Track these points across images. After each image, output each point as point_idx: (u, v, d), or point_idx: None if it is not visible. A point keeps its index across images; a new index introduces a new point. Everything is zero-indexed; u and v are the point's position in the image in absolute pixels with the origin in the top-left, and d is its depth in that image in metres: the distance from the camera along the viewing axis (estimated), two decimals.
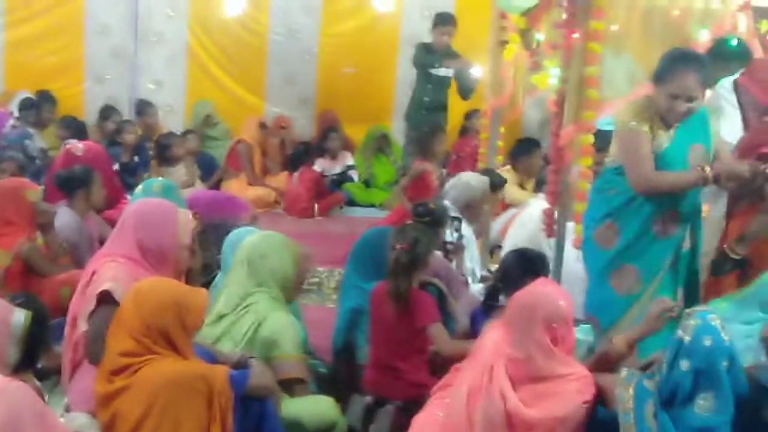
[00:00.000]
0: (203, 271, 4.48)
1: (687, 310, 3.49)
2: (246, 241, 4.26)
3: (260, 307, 4.01)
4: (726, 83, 5.32)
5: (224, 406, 3.42)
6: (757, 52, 5.93)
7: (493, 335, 3.64)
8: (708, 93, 4.93)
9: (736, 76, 5.30)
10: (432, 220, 5.23)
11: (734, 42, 5.28)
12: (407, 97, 9.92)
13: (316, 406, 4.01)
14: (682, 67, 4.08)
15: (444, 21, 8.23)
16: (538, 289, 3.66)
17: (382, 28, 9.77)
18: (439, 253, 5.19)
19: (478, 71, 7.96)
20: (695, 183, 4.12)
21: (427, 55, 8.23)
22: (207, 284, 4.52)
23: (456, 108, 9.87)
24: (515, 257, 4.52)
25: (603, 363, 3.70)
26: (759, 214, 4.42)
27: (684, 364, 3.29)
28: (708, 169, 4.06)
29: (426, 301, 4.31)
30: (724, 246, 4.43)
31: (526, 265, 4.35)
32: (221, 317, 4.05)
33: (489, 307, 4.50)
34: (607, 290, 4.31)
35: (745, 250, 4.36)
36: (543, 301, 3.55)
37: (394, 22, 9.90)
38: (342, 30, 9.47)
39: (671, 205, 4.21)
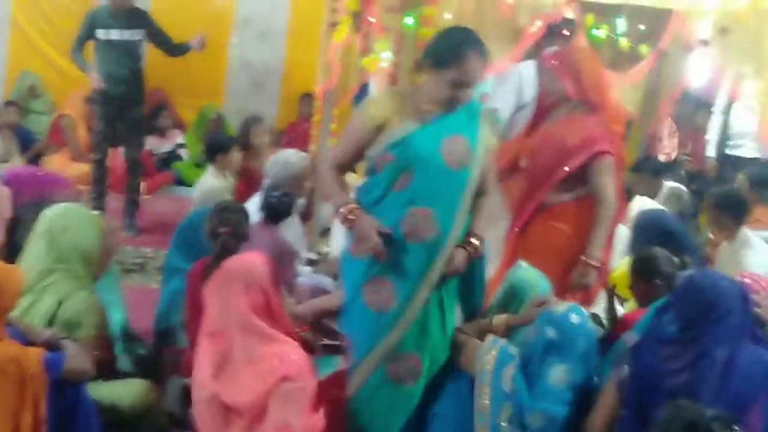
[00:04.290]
0: (20, 250, 4.27)
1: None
2: (46, 213, 4.06)
3: (61, 286, 3.86)
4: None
5: (37, 391, 3.29)
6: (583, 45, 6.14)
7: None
8: None
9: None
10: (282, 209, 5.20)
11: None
12: (240, 76, 9.85)
13: (132, 389, 3.93)
14: (467, 50, 3.58)
15: None
16: (236, 259, 3.73)
17: (215, 6, 9.60)
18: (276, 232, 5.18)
19: (200, 40, 7.36)
20: (336, 211, 3.71)
21: (96, 22, 7.16)
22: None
23: (290, 91, 9.86)
24: None
25: (482, 331, 3.77)
26: None
27: (549, 332, 3.49)
28: (349, 208, 3.62)
29: None
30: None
31: None
32: None
33: None
34: (360, 307, 3.72)
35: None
36: (238, 269, 3.60)
37: (228, 1, 9.75)
38: (173, 6, 9.22)
39: (424, 201, 3.65)
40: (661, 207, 6.37)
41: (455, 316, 3.90)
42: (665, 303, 3.55)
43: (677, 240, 5.66)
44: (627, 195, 6.02)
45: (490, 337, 3.67)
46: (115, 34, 7.14)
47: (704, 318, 3.29)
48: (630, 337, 3.56)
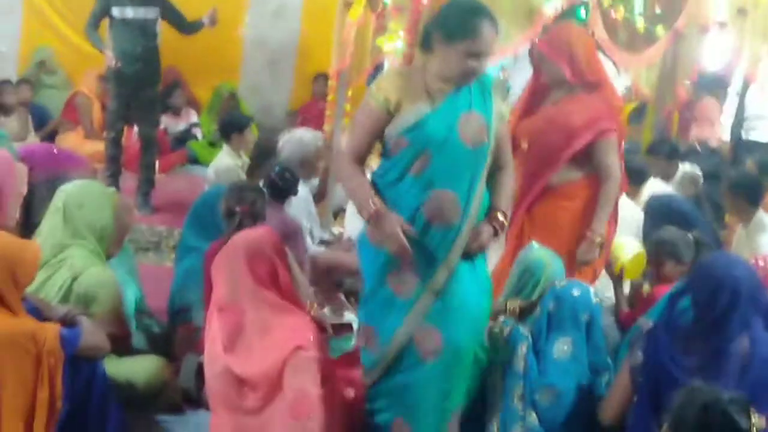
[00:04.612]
0: (35, 226, 4.29)
1: None
2: (63, 188, 4.09)
3: (77, 261, 3.87)
4: None
5: (53, 366, 3.30)
6: (599, 28, 6.09)
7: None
8: None
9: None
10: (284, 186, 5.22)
11: (582, 12, 5.40)
12: (254, 55, 9.83)
13: (146, 365, 3.95)
14: (480, 20, 3.43)
15: None
16: (241, 233, 3.78)
17: None
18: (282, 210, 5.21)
19: (211, 15, 7.34)
20: (359, 208, 3.51)
21: (112, 0, 7.12)
22: None
23: (304, 70, 9.83)
24: None
25: (496, 314, 3.82)
26: None
27: (550, 305, 3.59)
28: (377, 204, 3.44)
29: None
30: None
31: None
32: None
33: None
34: (386, 296, 3.59)
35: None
36: (242, 243, 3.64)
37: None
38: None
39: (444, 183, 3.52)
40: (671, 190, 6.36)
41: (489, 299, 3.75)
42: (678, 289, 3.54)
43: (690, 223, 5.67)
44: (642, 177, 6.08)
45: (501, 318, 3.69)
46: (130, 12, 7.11)
47: (717, 304, 3.27)
48: (645, 322, 3.55)
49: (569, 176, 4.45)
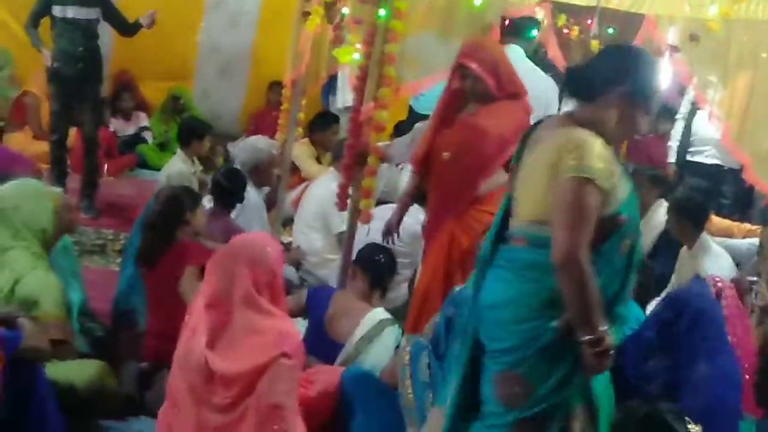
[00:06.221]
0: None
1: None
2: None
3: (19, 264, 3.74)
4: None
5: None
6: (552, 47, 6.16)
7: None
8: None
9: None
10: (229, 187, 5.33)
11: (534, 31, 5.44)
12: (209, 61, 9.80)
13: (88, 369, 3.88)
14: (657, 76, 3.10)
15: None
16: (245, 235, 3.80)
17: None
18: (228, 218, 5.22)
19: (149, 16, 7.22)
20: (584, 325, 2.86)
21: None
22: None
23: (258, 78, 9.81)
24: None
25: None
26: None
27: (450, 310, 3.58)
28: (609, 339, 2.87)
29: (186, 251, 4.28)
30: None
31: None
32: None
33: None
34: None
35: None
36: (247, 245, 3.59)
37: None
38: None
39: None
40: None
41: None
42: (655, 309, 3.77)
43: None
44: None
45: (405, 337, 3.73)
46: (71, 12, 7.00)
47: (680, 324, 3.48)
48: None
49: (497, 183, 4.42)
